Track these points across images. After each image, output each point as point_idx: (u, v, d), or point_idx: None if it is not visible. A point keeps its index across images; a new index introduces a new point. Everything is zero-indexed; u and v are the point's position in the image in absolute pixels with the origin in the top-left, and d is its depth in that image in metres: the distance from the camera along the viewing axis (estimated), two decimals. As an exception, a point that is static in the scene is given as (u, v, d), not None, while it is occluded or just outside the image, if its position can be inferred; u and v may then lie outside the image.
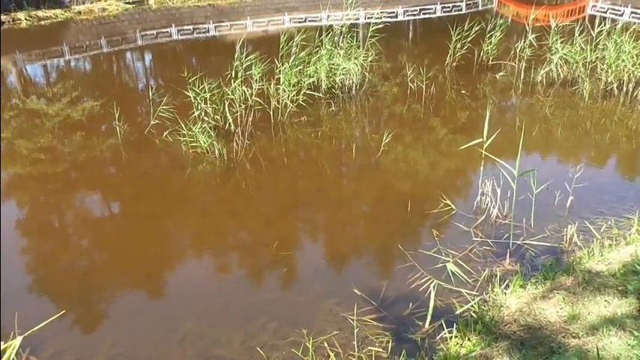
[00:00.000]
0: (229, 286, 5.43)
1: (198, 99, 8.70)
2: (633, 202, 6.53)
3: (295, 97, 9.71)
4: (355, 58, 10.68)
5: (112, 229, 6.65)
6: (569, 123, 9.54)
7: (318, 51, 10.49)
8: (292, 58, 9.95)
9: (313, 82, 10.30)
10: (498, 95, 11.02)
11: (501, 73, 11.66)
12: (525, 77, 11.32)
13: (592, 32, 10.73)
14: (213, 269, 5.84)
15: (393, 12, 24.66)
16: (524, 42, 11.53)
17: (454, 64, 12.16)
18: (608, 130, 9.21)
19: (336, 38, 11.13)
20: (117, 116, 9.04)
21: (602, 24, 11.16)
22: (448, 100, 10.70)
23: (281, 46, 10.01)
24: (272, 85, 9.66)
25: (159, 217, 6.72)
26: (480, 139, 6.12)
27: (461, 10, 24.92)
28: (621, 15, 21.98)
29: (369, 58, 11.20)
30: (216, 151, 8.09)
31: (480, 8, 25.75)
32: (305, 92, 9.80)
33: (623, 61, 10.12)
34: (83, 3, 22.08)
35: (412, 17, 23.86)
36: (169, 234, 6.57)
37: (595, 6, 24.66)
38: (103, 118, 10.16)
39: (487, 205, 6.34)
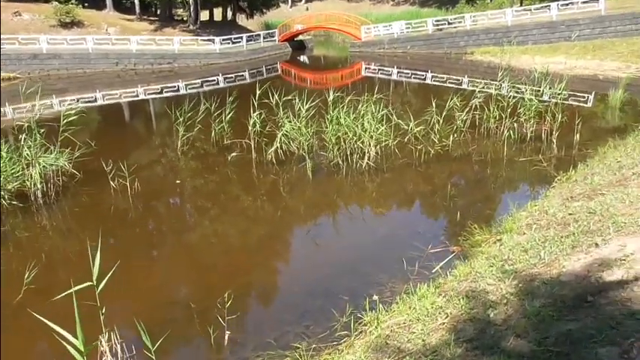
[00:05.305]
0: None
1: None
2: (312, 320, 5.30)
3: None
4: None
5: None
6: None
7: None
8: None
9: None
10: (234, 179, 9.79)
11: (234, 154, 10.45)
12: (258, 156, 10.22)
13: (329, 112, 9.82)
14: None
15: (175, 86, 23.37)
16: (259, 117, 10.50)
17: (184, 147, 10.77)
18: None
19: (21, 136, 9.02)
20: None
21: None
22: (157, 194, 9.10)
23: None
24: None
25: None
26: (90, 282, 4.47)
27: (245, 79, 24.47)
28: (390, 75, 23.16)
29: (77, 154, 9.20)
30: None
31: (264, 76, 25.62)
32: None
33: (346, 133, 9.56)
34: None
35: (195, 90, 22.70)
36: None
37: (368, 68, 25.96)
38: None
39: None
